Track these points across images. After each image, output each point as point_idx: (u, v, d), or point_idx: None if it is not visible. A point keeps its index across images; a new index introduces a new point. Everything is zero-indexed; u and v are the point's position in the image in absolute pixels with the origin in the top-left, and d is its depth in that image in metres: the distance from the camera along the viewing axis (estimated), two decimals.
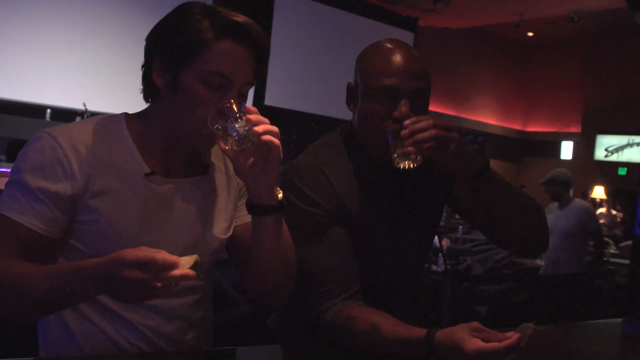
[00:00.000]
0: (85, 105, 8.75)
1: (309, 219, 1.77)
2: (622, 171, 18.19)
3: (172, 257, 1.24)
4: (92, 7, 10.29)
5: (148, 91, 1.58)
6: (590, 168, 18.67)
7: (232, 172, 1.71)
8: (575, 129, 19.39)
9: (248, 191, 1.52)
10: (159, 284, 1.23)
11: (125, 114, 1.61)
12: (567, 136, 19.72)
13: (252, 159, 1.44)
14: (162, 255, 1.23)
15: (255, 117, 1.42)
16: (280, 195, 1.53)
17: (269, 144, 1.41)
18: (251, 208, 1.52)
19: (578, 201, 6.41)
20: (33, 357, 1.63)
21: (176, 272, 1.23)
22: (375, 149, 1.81)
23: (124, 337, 1.55)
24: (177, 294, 1.59)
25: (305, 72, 13.18)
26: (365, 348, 1.63)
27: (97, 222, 1.49)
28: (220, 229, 1.68)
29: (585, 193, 16.32)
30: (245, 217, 1.70)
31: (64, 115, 9.30)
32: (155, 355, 1.60)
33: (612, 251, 8.63)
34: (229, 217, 1.71)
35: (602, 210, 15.71)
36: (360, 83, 1.84)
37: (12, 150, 8.34)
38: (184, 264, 1.26)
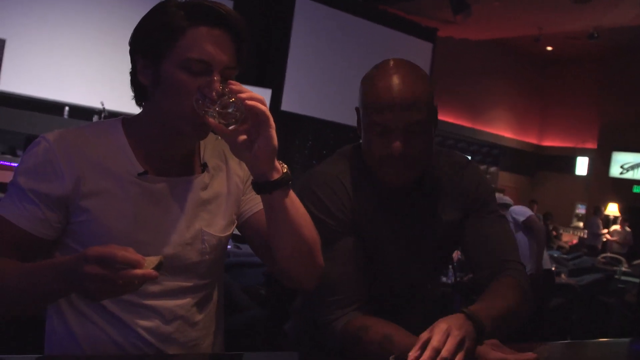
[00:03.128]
0: (103, 104, 8.81)
1: (322, 227, 1.76)
2: (637, 189, 18.11)
3: (134, 256, 1.23)
4: (113, 7, 10.36)
5: (137, 94, 1.59)
6: (604, 185, 18.60)
7: (233, 170, 1.72)
8: (591, 145, 19.33)
9: (250, 170, 1.49)
10: (120, 282, 1.22)
11: (123, 118, 1.63)
12: (583, 152, 19.66)
13: (243, 131, 1.43)
14: (123, 252, 1.22)
15: (237, 87, 1.42)
16: (285, 169, 1.50)
17: (254, 109, 1.39)
18: (257, 187, 1.49)
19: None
20: (39, 355, 1.64)
21: (137, 271, 1.23)
22: (378, 175, 1.81)
23: (123, 338, 1.55)
24: (175, 294, 1.60)
25: (323, 79, 13.20)
26: (377, 358, 1.64)
27: (89, 222, 1.51)
28: (219, 228, 1.67)
29: (598, 210, 16.26)
30: (255, 207, 1.71)
31: (81, 113, 9.36)
32: (168, 358, 1.61)
33: (623, 269, 8.58)
34: (228, 215, 1.70)
35: (616, 227, 15.65)
36: (360, 110, 1.83)
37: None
38: (148, 264, 1.25)
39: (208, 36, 1.48)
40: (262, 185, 1.49)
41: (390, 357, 1.38)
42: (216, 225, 1.67)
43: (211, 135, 1.69)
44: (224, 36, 1.50)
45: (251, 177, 1.53)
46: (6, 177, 8.20)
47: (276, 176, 1.48)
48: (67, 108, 9.32)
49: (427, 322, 1.56)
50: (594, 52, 17.52)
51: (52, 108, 9.43)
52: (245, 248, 5.30)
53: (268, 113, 1.41)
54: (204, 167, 1.66)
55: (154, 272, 1.25)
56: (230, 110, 1.40)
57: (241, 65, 1.56)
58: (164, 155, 1.59)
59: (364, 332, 1.68)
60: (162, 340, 1.59)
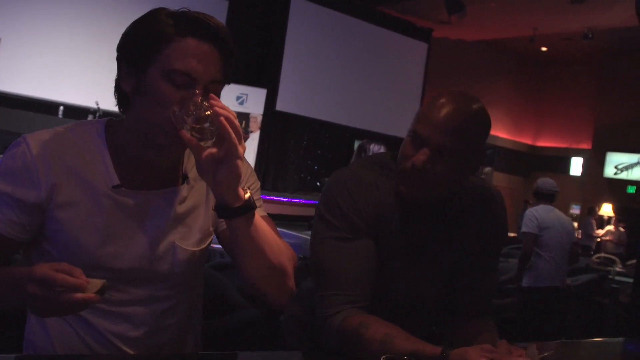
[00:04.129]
0: (97, 104, 8.80)
1: (344, 222, 1.78)
2: (631, 189, 18.15)
3: (74, 281, 1.25)
4: (107, 6, 10.35)
5: (120, 101, 1.57)
6: (599, 185, 18.64)
7: None
8: (586, 145, 19.37)
9: (213, 192, 1.48)
10: (61, 304, 1.25)
11: (108, 120, 1.61)
12: (577, 152, 19.71)
13: (211, 151, 1.39)
14: (63, 276, 1.24)
15: (217, 103, 1.40)
16: (247, 195, 1.47)
17: (225, 134, 1.36)
18: (219, 210, 1.47)
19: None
20: (17, 354, 1.65)
21: (77, 295, 1.25)
22: (395, 182, 1.83)
23: (94, 341, 1.57)
24: (145, 302, 1.60)
25: (318, 79, 13.21)
26: (375, 356, 1.64)
27: (60, 232, 1.51)
28: (193, 241, 1.65)
29: (592, 210, 16.29)
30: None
31: (76, 112, 9.37)
32: (161, 358, 1.63)
33: (617, 269, 8.59)
34: (205, 227, 1.68)
35: (610, 227, 15.68)
36: None
37: None
38: (91, 287, 1.27)
39: (195, 49, 1.45)
40: (222, 210, 1.47)
41: (382, 357, 1.37)
42: (190, 239, 1.65)
43: None
44: (211, 50, 1.48)
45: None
46: None
47: (237, 204, 1.45)
48: (61, 107, 9.32)
49: (423, 332, 1.57)
50: (589, 53, 17.56)
51: (47, 107, 9.43)
52: None
53: (236, 141, 1.38)
54: (185, 178, 1.64)
55: (94, 297, 1.27)
56: (205, 125, 1.38)
57: (227, 79, 1.55)
58: (143, 165, 1.57)
59: (364, 329, 1.68)
60: (130, 344, 1.60)
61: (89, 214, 1.52)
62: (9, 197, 1.47)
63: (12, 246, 1.51)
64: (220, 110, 1.38)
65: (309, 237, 1.89)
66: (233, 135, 1.38)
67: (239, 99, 11.69)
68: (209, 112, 1.38)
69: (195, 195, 1.66)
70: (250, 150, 12.01)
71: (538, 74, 20.40)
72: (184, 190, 1.64)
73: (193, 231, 1.65)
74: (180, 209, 1.63)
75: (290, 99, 12.67)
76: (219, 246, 1.73)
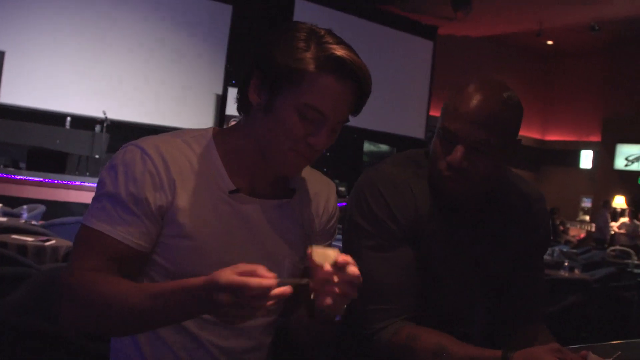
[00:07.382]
0: (105, 114, 8.79)
1: (382, 229, 1.70)
2: None
3: (267, 281, 1.18)
4: (113, 18, 10.34)
5: (242, 104, 1.54)
6: (610, 177, 18.57)
7: (319, 203, 1.68)
8: (595, 138, 19.30)
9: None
10: (253, 307, 1.19)
11: (214, 129, 1.58)
12: (587, 145, 19.64)
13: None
14: (257, 281, 1.17)
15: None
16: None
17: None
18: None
19: None
20: None
21: (272, 293, 1.18)
22: (434, 182, 1.76)
23: (187, 353, 1.50)
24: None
25: None
26: None
27: (179, 238, 1.45)
28: (298, 258, 1.61)
29: (607, 203, 16.22)
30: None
31: (83, 123, 9.34)
32: None
33: (635, 262, 8.50)
34: (305, 245, 1.56)
35: (625, 219, 15.59)
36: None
37: (32, 157, 8.35)
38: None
39: (333, 88, 1.43)
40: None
41: None
42: (297, 255, 1.61)
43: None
44: (347, 89, 1.45)
45: (333, 221, 1.69)
46: (9, 190, 8.16)
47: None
48: (68, 118, 9.30)
49: (472, 341, 1.50)
50: (596, 45, 17.51)
51: (54, 119, 9.41)
52: None
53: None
54: (293, 192, 1.61)
55: (287, 289, 1.21)
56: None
57: (357, 113, 1.54)
58: (256, 173, 1.54)
59: (413, 341, 1.62)
60: (231, 357, 1.54)
61: (208, 218, 1.47)
62: (133, 204, 1.40)
63: (136, 258, 1.44)
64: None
65: (336, 242, 1.81)
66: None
67: None
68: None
69: (303, 212, 1.63)
70: None
71: (545, 67, 20.35)
72: (295, 204, 1.61)
73: (299, 248, 1.60)
74: (291, 222, 1.60)
75: None
76: None
